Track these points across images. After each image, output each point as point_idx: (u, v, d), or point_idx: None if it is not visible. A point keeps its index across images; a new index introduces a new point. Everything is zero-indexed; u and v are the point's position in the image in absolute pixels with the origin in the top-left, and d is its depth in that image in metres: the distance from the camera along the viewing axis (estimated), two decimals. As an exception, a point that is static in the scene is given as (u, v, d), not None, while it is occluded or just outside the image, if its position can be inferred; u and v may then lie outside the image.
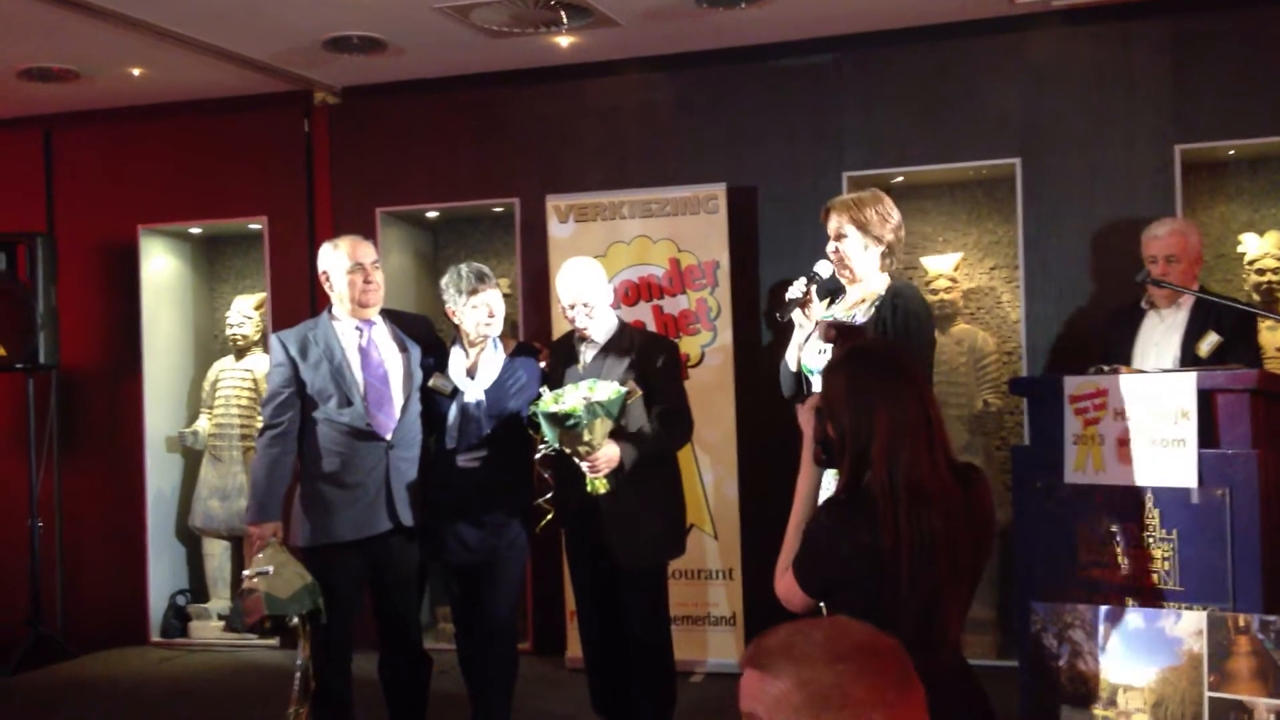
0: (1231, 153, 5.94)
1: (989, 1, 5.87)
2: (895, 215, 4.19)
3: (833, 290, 4.29)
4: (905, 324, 3.97)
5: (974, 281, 6.43)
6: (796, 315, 4.16)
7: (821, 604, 2.82)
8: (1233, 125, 5.78)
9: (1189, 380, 3.71)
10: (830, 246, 4.18)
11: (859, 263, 4.13)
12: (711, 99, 6.52)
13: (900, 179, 6.37)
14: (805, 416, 2.90)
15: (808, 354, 4.14)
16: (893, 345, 2.91)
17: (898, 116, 6.23)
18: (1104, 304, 5.82)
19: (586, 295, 4.52)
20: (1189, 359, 4.68)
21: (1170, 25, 5.90)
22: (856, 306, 4.14)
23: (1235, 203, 6.09)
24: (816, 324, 4.01)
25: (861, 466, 2.63)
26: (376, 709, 4.75)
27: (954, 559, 2.61)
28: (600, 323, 4.57)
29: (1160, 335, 4.88)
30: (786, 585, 2.76)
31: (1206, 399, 3.69)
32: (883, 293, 4.08)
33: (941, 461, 2.64)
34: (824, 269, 4.18)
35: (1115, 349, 4.89)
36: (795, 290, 4.12)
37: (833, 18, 6.05)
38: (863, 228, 4.11)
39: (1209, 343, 4.68)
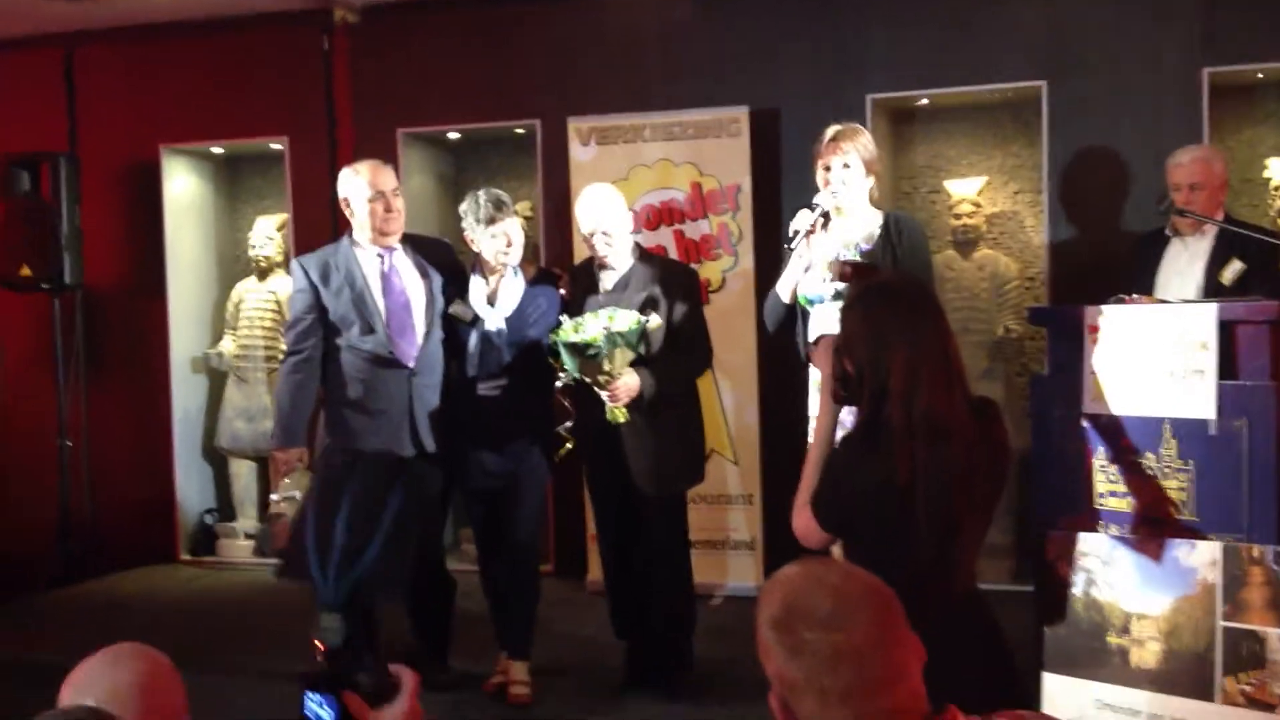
0: (1260, 76, 5.86)
1: (1018, -80, 5.77)
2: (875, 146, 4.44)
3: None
4: (912, 249, 4.15)
5: (997, 206, 6.39)
6: (800, 245, 4.27)
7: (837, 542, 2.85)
8: (1261, 48, 5.69)
9: (1209, 311, 3.71)
10: (837, 176, 4.30)
11: (860, 192, 4.30)
12: (734, 20, 6.45)
13: (925, 101, 6.32)
14: (822, 355, 2.91)
15: (808, 284, 4.22)
16: (911, 279, 2.91)
17: (923, 38, 6.16)
18: (1129, 230, 5.79)
19: (606, 223, 4.51)
20: (1212, 287, 4.66)
21: (1199, -55, 5.80)
22: (858, 236, 4.22)
23: (1263, 127, 6.02)
24: (830, 263, 4.05)
25: (880, 402, 2.64)
26: (401, 630, 4.83)
27: (970, 493, 2.63)
28: (620, 250, 4.57)
29: (1184, 263, 4.85)
30: (804, 522, 2.78)
31: (1227, 330, 3.68)
32: (881, 221, 4.22)
33: (959, 396, 2.65)
34: (826, 200, 4.28)
35: (1139, 276, 4.87)
36: (803, 221, 4.23)
37: (858, -63, 5.97)
38: (864, 158, 4.30)
39: (1233, 270, 4.64)
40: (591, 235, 4.53)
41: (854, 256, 4.15)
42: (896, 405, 2.61)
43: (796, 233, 4.25)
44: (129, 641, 1.95)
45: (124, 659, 1.88)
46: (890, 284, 2.84)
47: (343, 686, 2.04)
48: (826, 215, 4.29)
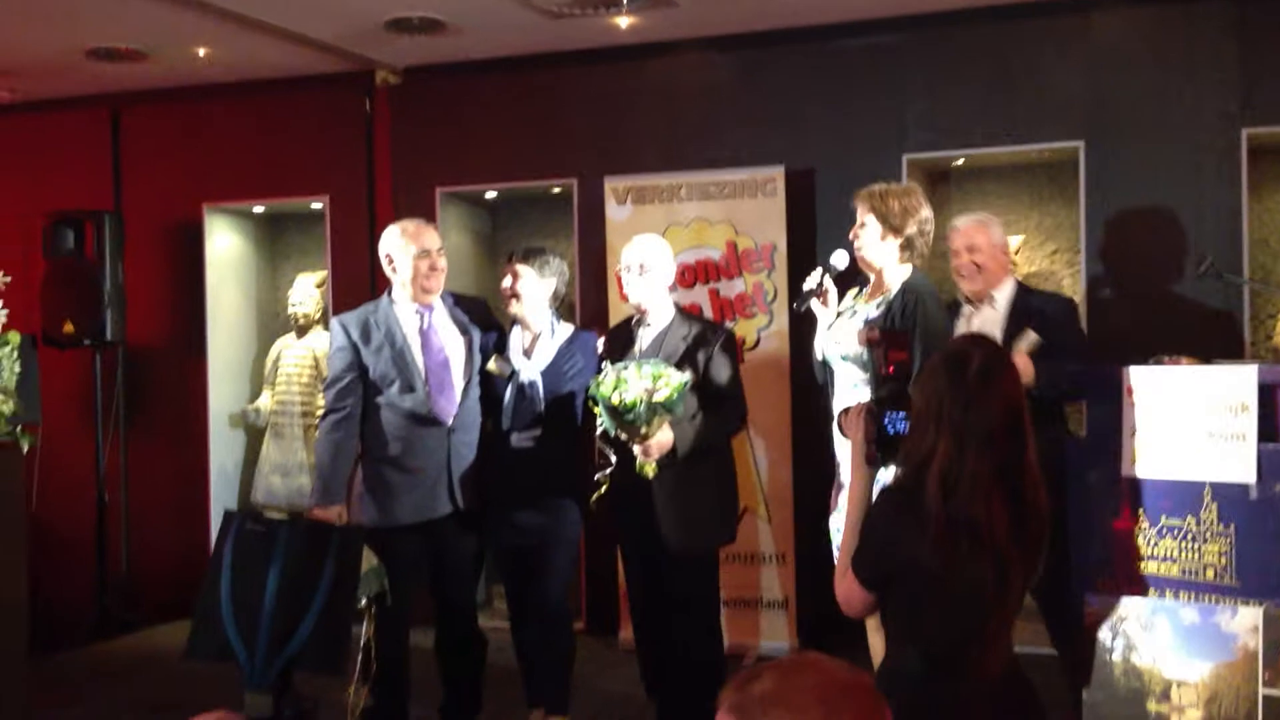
0: (1300, 137, 5.85)
1: (1053, -18, 5.80)
2: (924, 211, 4.24)
3: (854, 281, 4.37)
4: (919, 322, 4.02)
5: (1035, 265, 6.37)
6: (816, 306, 4.33)
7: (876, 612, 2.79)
8: (1302, 109, 5.68)
9: (1249, 373, 3.68)
10: (851, 234, 4.28)
11: (874, 253, 4.25)
12: (771, 80, 6.49)
13: (961, 161, 6.32)
14: (854, 421, 2.88)
15: (826, 344, 4.21)
16: (994, 352, 2.73)
17: (960, 98, 6.17)
18: (1168, 290, 5.77)
19: (645, 256, 4.58)
20: None
21: (1236, 6, 5.79)
22: (871, 300, 4.19)
23: (1304, 188, 5.99)
24: (861, 328, 4.03)
25: (922, 471, 2.58)
26: (433, 686, 4.81)
27: (1001, 601, 2.58)
28: (652, 293, 4.60)
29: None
30: (846, 587, 2.73)
31: (1267, 392, 3.65)
32: (898, 289, 4.13)
33: (998, 498, 2.54)
34: (839, 259, 4.32)
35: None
36: (810, 281, 4.27)
37: (894, -2, 6.01)
38: (883, 218, 4.21)
39: (1028, 341, 4.52)
40: (627, 269, 4.60)
41: (864, 319, 4.13)
42: (935, 492, 2.54)
43: (808, 292, 4.29)
44: (222, 710, 1.98)
45: None
46: (963, 354, 2.67)
47: None
48: (836, 274, 4.31)
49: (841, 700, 1.62)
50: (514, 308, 4.66)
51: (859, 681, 1.67)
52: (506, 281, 4.66)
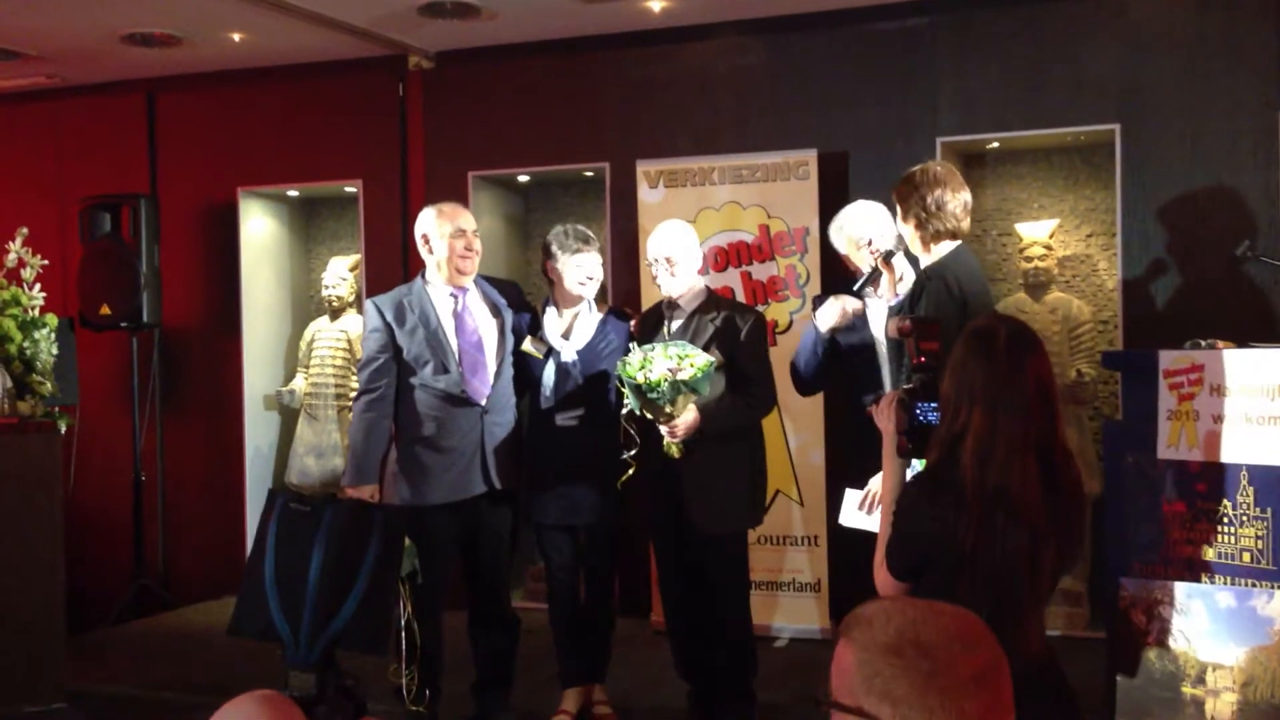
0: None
1: (1089, -36, 5.75)
2: (935, 192, 4.07)
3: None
4: (930, 305, 3.95)
5: (1070, 249, 6.34)
6: (868, 290, 4.31)
7: None
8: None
9: (1287, 357, 3.65)
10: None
11: (905, 235, 4.16)
12: (804, 63, 6.47)
13: (995, 144, 6.29)
14: (885, 411, 2.87)
15: (880, 329, 4.19)
16: (1019, 329, 2.69)
17: (993, 81, 6.14)
18: (1205, 274, 5.73)
19: (671, 250, 4.57)
20: None
21: (1276, -12, 5.74)
22: (901, 289, 4.18)
23: (1342, 171, 5.93)
24: (890, 320, 4.02)
25: (955, 451, 2.58)
26: (466, 667, 4.84)
27: (1035, 575, 2.57)
28: (683, 284, 4.60)
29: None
30: (882, 576, 2.74)
31: (1305, 375, 3.62)
32: (917, 278, 4.11)
33: (1033, 472, 2.54)
34: (885, 244, 4.29)
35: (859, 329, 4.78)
36: (867, 264, 4.24)
37: (928, -19, 5.98)
38: (899, 201, 4.15)
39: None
40: (655, 261, 4.60)
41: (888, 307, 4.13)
42: (968, 465, 2.54)
43: (869, 275, 4.26)
44: (268, 689, 2.00)
45: (270, 701, 1.93)
46: (989, 330, 2.65)
47: None
48: (888, 258, 4.28)
49: (909, 649, 1.58)
50: (587, 291, 4.69)
51: (942, 641, 1.61)
52: (583, 273, 4.67)
